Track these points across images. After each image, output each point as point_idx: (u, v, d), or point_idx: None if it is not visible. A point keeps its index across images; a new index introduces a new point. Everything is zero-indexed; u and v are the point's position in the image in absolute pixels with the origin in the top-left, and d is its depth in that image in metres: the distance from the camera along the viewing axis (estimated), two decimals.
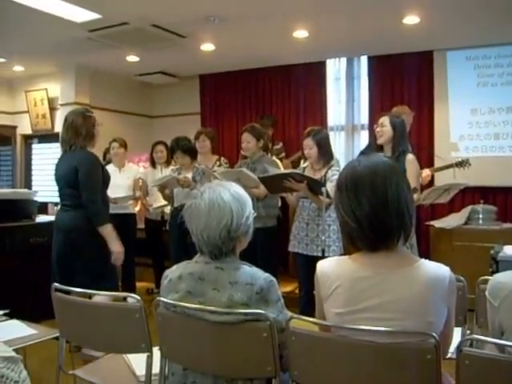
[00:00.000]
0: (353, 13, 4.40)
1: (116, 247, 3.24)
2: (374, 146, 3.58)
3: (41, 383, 2.58)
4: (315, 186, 3.48)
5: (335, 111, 6.23)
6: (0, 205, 4.11)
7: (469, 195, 5.24)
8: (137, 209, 5.17)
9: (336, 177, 3.17)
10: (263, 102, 6.54)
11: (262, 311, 1.59)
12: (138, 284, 5.21)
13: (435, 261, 1.50)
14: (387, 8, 4.27)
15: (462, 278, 2.05)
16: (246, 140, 4.16)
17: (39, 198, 4.76)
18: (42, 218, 4.56)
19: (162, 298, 1.75)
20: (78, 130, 3.24)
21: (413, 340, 1.41)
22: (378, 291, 1.44)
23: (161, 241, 5.12)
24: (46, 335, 2.34)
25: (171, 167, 4.91)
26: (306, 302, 3.57)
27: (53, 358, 2.20)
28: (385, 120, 3.41)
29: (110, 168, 4.70)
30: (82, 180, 3.19)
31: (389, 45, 5.40)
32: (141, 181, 5.09)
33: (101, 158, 4.05)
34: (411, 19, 4.52)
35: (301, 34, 4.97)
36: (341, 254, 3.33)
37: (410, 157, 3.35)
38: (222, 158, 4.85)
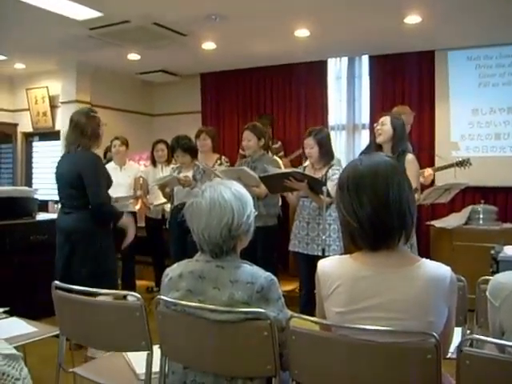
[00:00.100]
0: (354, 12, 4.39)
1: (133, 234, 3.54)
2: (374, 146, 3.58)
3: (41, 381, 2.56)
4: (316, 185, 3.48)
5: (336, 110, 6.23)
6: (0, 202, 4.11)
7: (469, 195, 5.24)
8: (137, 207, 5.16)
9: (337, 176, 3.18)
10: (264, 100, 6.54)
11: (263, 310, 1.59)
12: (138, 282, 5.21)
13: (435, 261, 1.50)
14: (389, 7, 4.27)
15: (462, 278, 2.05)
16: (246, 138, 4.14)
17: (40, 196, 4.76)
18: (42, 216, 4.56)
19: (162, 297, 1.75)
20: (84, 131, 3.25)
21: (413, 340, 1.41)
22: (379, 291, 1.44)
23: (161, 239, 5.12)
24: (46, 333, 2.34)
25: (172, 166, 4.90)
26: (306, 301, 3.57)
27: (53, 356, 2.20)
28: (386, 119, 3.40)
29: (111, 166, 4.71)
30: (89, 182, 3.19)
31: (390, 44, 5.40)
32: (141, 179, 5.10)
33: (101, 157, 4.05)
34: (412, 19, 4.52)
35: (302, 33, 4.97)
36: (341, 254, 3.33)
37: (410, 157, 3.35)
38: (223, 157, 4.84)
